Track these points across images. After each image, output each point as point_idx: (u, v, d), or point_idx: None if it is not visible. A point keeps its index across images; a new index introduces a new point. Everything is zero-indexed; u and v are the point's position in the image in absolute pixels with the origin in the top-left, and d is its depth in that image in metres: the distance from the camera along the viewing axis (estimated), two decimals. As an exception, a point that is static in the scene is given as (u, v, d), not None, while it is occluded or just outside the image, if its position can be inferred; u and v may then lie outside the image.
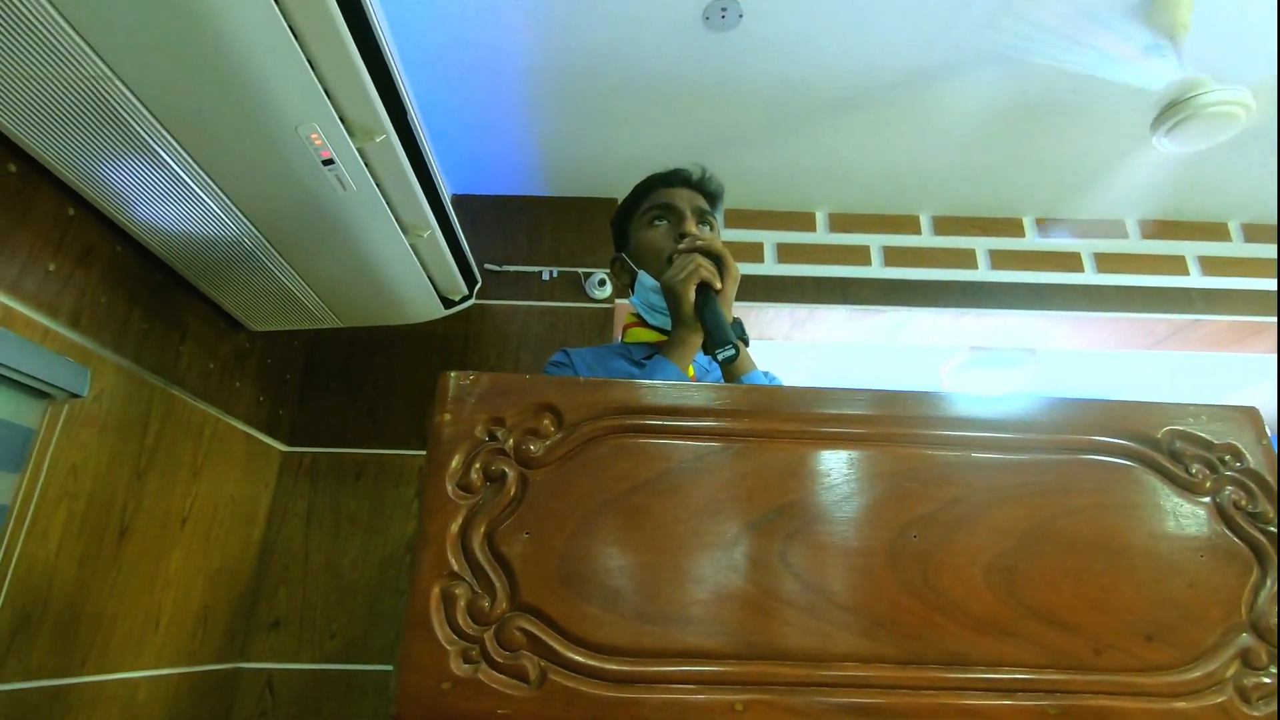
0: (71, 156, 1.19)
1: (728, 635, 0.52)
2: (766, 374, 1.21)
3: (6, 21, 0.93)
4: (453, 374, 0.58)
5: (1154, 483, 0.59)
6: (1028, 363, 3.39)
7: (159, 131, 1.15)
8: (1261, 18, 1.77)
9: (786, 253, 2.61)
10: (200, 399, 1.69)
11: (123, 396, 1.42)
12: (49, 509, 1.25)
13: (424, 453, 0.57)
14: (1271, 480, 0.59)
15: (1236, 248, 2.63)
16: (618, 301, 2.41)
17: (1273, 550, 0.56)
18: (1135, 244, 2.64)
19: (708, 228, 1.24)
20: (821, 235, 2.65)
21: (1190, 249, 2.63)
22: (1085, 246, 2.64)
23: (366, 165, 1.34)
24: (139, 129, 1.14)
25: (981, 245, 2.64)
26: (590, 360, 1.23)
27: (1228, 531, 0.57)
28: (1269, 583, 0.56)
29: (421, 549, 0.52)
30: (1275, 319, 2.51)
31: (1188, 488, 0.59)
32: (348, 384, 2.28)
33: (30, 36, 0.96)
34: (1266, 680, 0.53)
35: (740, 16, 1.81)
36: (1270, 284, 2.56)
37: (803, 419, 0.59)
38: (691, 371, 1.13)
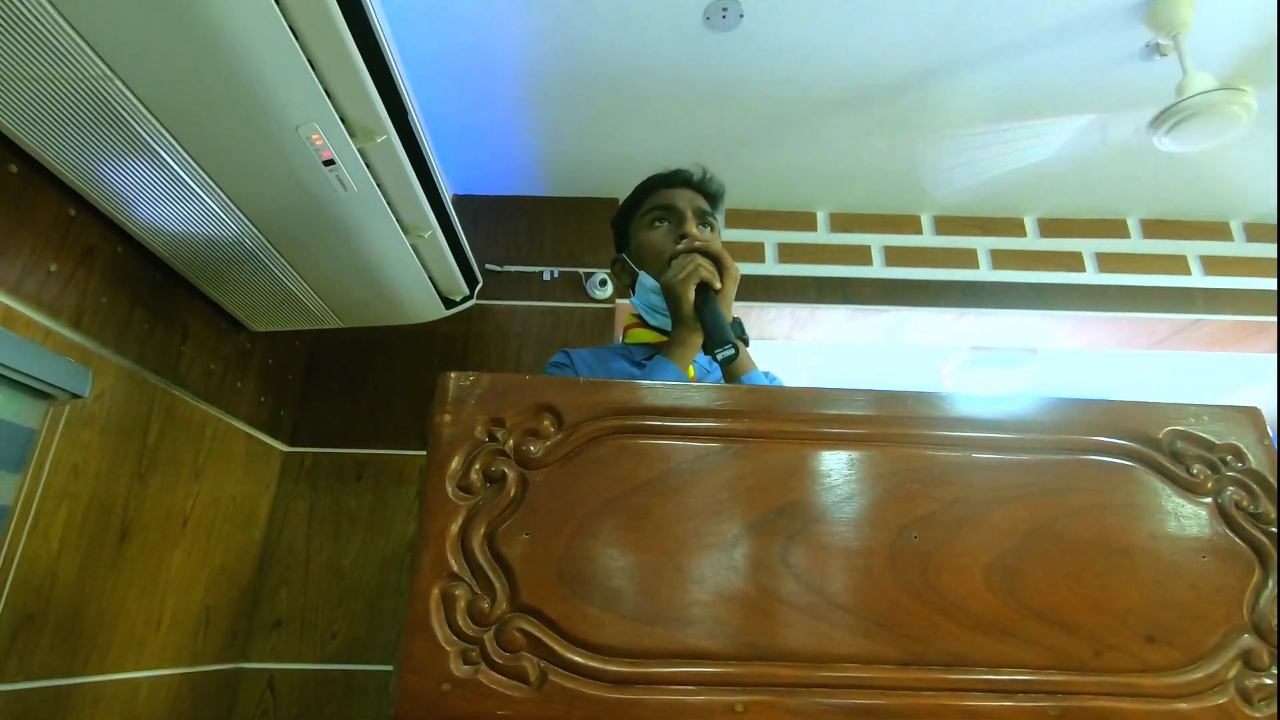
0: (72, 157, 1.19)
1: (728, 636, 0.52)
2: (767, 374, 1.21)
3: (7, 21, 0.93)
4: (452, 375, 0.58)
5: (1155, 483, 0.59)
6: (1029, 363, 3.39)
7: (160, 132, 1.15)
8: (1262, 17, 1.77)
9: (787, 252, 2.61)
10: (201, 399, 1.69)
11: (124, 397, 1.42)
12: (50, 509, 1.25)
13: (425, 453, 0.57)
14: (1273, 480, 0.58)
15: (1238, 247, 2.63)
16: (619, 302, 2.41)
17: (1274, 551, 0.56)
18: (1137, 243, 2.64)
19: (708, 228, 1.24)
20: (822, 235, 2.65)
21: (1192, 248, 2.63)
22: (1086, 246, 2.63)
23: (367, 166, 1.34)
24: (140, 129, 1.14)
25: (983, 245, 2.64)
26: (591, 361, 1.23)
27: (1229, 532, 0.57)
28: (1270, 584, 0.55)
29: (421, 550, 0.52)
30: (1276, 318, 2.51)
31: (1189, 488, 0.59)
32: (349, 384, 2.28)
33: (31, 37, 0.96)
34: (1268, 681, 0.53)
35: (741, 16, 1.81)
36: (1272, 283, 2.56)
37: (803, 419, 0.59)
38: (692, 372, 1.13)
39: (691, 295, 1.07)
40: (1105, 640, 0.53)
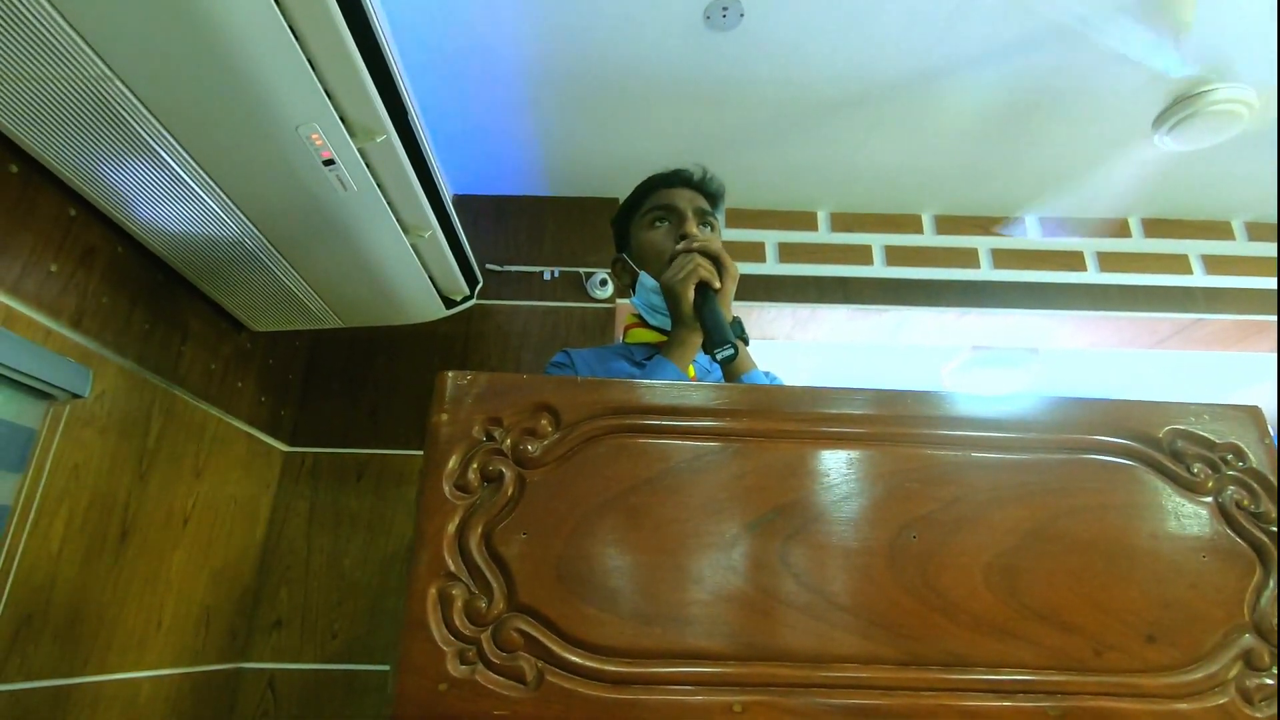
0: (72, 157, 1.19)
1: (726, 636, 0.52)
2: (767, 374, 1.21)
3: (6, 21, 0.93)
4: (450, 374, 0.57)
5: (1155, 483, 0.59)
6: (1030, 362, 3.38)
7: (160, 132, 1.15)
8: (1263, 16, 1.76)
9: (788, 252, 2.61)
10: (202, 399, 1.69)
11: (124, 397, 1.42)
12: (51, 509, 1.25)
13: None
14: (1274, 479, 0.58)
15: (1239, 246, 2.62)
16: (619, 301, 2.41)
17: (1275, 550, 0.56)
18: (1138, 243, 2.64)
19: (709, 228, 1.24)
20: (823, 235, 2.65)
21: (1193, 248, 2.62)
22: (1088, 245, 2.63)
23: (367, 165, 1.34)
24: (140, 129, 1.14)
25: (983, 244, 2.63)
26: (591, 361, 1.23)
27: (1230, 532, 0.57)
28: (1271, 583, 0.55)
29: (418, 550, 0.52)
30: (1277, 318, 2.50)
31: (1189, 487, 0.58)
32: (349, 384, 2.28)
33: (30, 37, 0.96)
34: (1269, 681, 0.53)
35: (741, 16, 1.81)
36: (1273, 282, 2.55)
37: (801, 419, 0.59)
38: (692, 371, 1.13)
39: (691, 295, 1.06)
40: (1105, 640, 0.53)
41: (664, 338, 1.21)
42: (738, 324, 1.12)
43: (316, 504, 2.12)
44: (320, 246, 1.51)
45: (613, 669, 0.50)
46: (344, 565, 2.07)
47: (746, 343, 1.14)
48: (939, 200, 2.61)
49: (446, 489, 0.54)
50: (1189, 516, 0.57)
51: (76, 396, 1.26)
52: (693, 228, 1.20)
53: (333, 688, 1.96)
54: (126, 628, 1.45)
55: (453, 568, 0.52)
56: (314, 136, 1.21)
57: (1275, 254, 2.59)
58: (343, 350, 2.32)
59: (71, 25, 0.96)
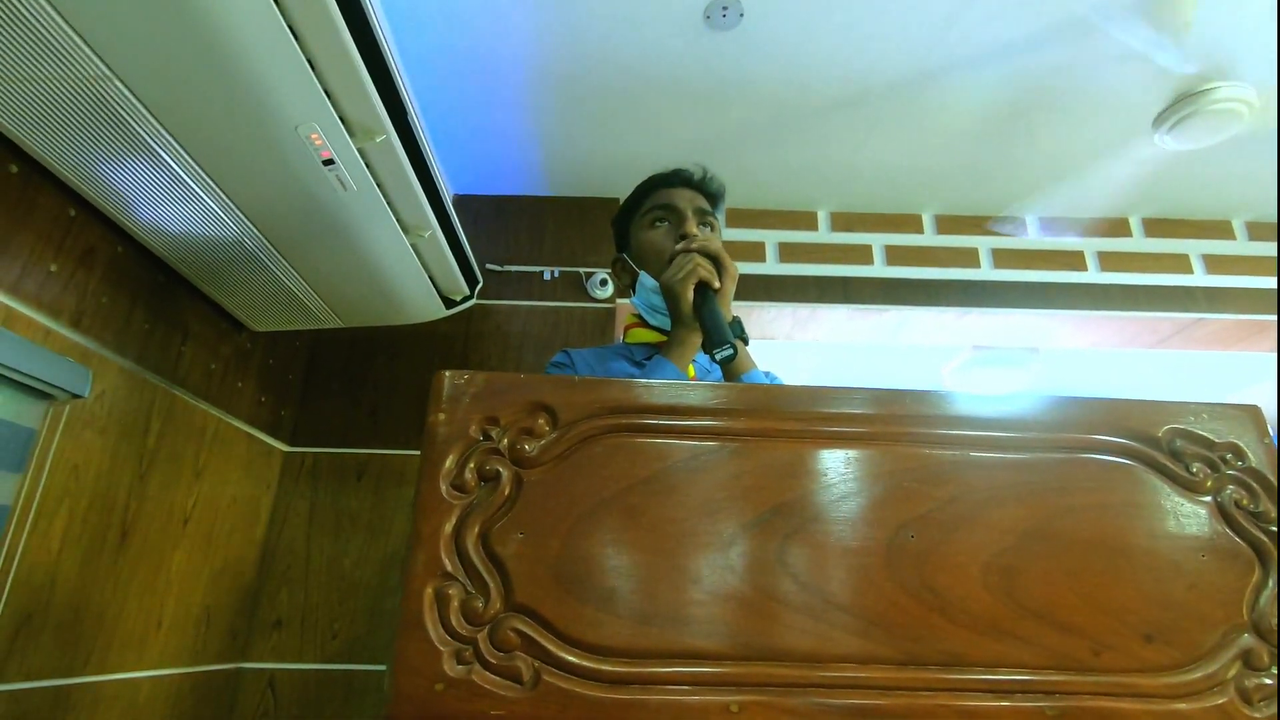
0: (72, 157, 1.19)
1: (724, 636, 0.52)
2: (767, 374, 1.21)
3: (5, 21, 0.93)
4: (447, 373, 0.57)
5: (1154, 482, 0.58)
6: (1031, 362, 3.38)
7: (159, 132, 1.15)
8: (1263, 15, 1.76)
9: (788, 252, 2.60)
10: (202, 399, 1.69)
11: (124, 397, 1.43)
12: (51, 509, 1.25)
13: (422, 453, 0.56)
14: (1273, 479, 0.58)
15: (1240, 246, 2.62)
16: (619, 301, 2.41)
17: (1274, 550, 0.56)
18: (1138, 242, 2.64)
19: (708, 228, 1.24)
20: (823, 234, 2.64)
21: (1193, 247, 2.62)
22: (1088, 245, 2.63)
23: (367, 165, 1.34)
24: (139, 129, 1.14)
25: (984, 244, 2.63)
26: (591, 361, 1.23)
27: (1229, 531, 0.57)
28: (1270, 583, 0.55)
29: (415, 549, 0.52)
30: (1277, 317, 2.50)
31: (1188, 487, 0.58)
32: (349, 384, 2.28)
33: (29, 36, 0.96)
34: (1268, 681, 0.52)
35: (741, 16, 1.81)
36: (1274, 282, 2.55)
37: (799, 418, 0.59)
38: (692, 371, 1.13)
39: (690, 295, 1.06)
40: (1104, 640, 0.53)
41: (664, 338, 1.21)
42: (737, 324, 1.12)
43: (316, 504, 2.12)
44: (320, 246, 1.51)
45: (610, 669, 0.50)
46: (344, 565, 2.07)
47: (746, 343, 1.14)
48: (939, 200, 2.61)
49: (443, 488, 0.54)
50: (1188, 516, 0.57)
51: (76, 396, 1.26)
52: (692, 228, 1.20)
53: (333, 688, 1.96)
54: (126, 627, 1.45)
55: (449, 567, 0.52)
56: (313, 136, 1.21)
57: (1275, 254, 2.58)
58: (343, 350, 2.32)
59: (70, 25, 0.96)
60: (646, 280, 1.22)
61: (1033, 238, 2.65)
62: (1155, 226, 2.65)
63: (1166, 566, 0.55)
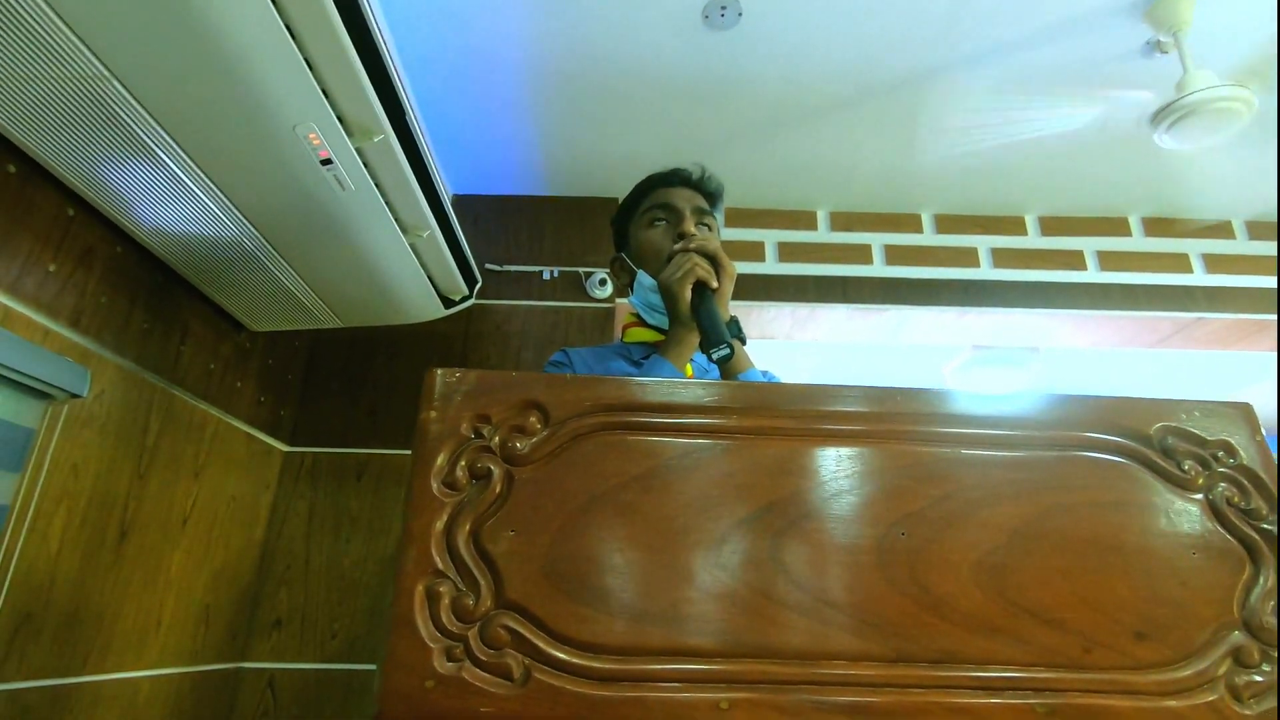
0: (70, 157, 1.19)
1: (714, 633, 0.52)
2: (765, 373, 1.21)
3: (3, 21, 0.93)
4: (439, 371, 0.58)
5: (1146, 479, 0.59)
6: (1031, 361, 3.38)
7: (157, 132, 1.15)
8: (1263, 14, 1.76)
9: (788, 251, 2.60)
10: (201, 399, 1.69)
11: (123, 397, 1.43)
12: (49, 509, 1.26)
13: (417, 451, 0.56)
14: (1265, 476, 0.58)
15: (1240, 245, 2.62)
16: (618, 301, 2.41)
17: (1266, 547, 0.56)
18: (1138, 241, 2.63)
19: (706, 227, 1.24)
20: (823, 234, 2.64)
21: (1193, 246, 2.62)
22: (1088, 244, 2.63)
23: (365, 165, 1.34)
24: (137, 129, 1.14)
25: (983, 243, 2.63)
26: (590, 360, 1.23)
27: (1220, 528, 0.57)
28: (1261, 580, 0.55)
29: (406, 547, 0.52)
30: (1277, 316, 2.50)
31: (1180, 484, 0.58)
32: (349, 384, 2.28)
33: (26, 36, 0.96)
34: (1258, 679, 0.52)
35: (740, 15, 1.81)
36: (1274, 282, 2.55)
37: (791, 415, 0.59)
38: (690, 370, 1.13)
39: (688, 294, 1.07)
40: (1095, 637, 0.53)
41: (662, 337, 1.21)
42: (735, 323, 1.12)
43: (316, 504, 2.12)
44: (318, 246, 1.52)
45: (600, 666, 0.50)
46: (344, 565, 2.07)
47: (744, 342, 1.14)
48: (938, 199, 2.60)
49: (434, 486, 0.54)
50: (1179, 513, 0.57)
51: (75, 396, 1.26)
52: (690, 227, 1.20)
53: (332, 687, 1.96)
54: (126, 627, 1.45)
55: (440, 565, 0.52)
56: (311, 136, 1.21)
57: (1275, 253, 2.58)
58: (342, 350, 2.32)
59: (68, 24, 0.96)
60: (645, 279, 1.22)
61: (1032, 238, 2.65)
62: (1155, 226, 2.65)
63: (1158, 564, 0.55)
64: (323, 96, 1.16)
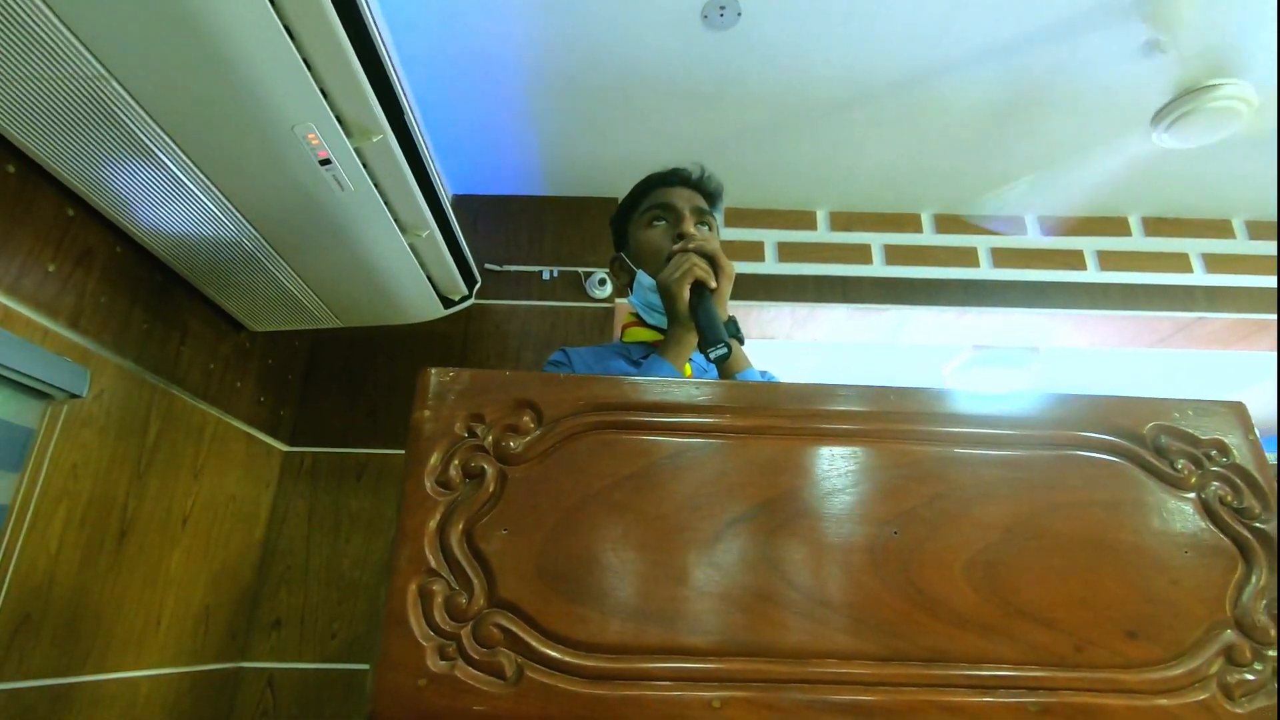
0: (69, 157, 1.19)
1: (707, 632, 0.52)
2: (763, 373, 1.21)
3: (2, 21, 0.94)
4: (433, 370, 0.58)
5: (1139, 478, 0.59)
6: (1031, 361, 3.38)
7: (156, 132, 1.16)
8: (1262, 13, 1.76)
9: (787, 251, 2.60)
10: (201, 399, 1.69)
11: (123, 396, 1.43)
12: (49, 509, 1.26)
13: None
14: (1258, 475, 0.58)
15: (1240, 245, 2.62)
16: (618, 301, 2.41)
17: (1258, 546, 0.56)
18: (1138, 241, 2.63)
19: (706, 227, 1.24)
20: (822, 234, 2.64)
21: (1193, 246, 2.62)
22: (1088, 244, 2.62)
23: (364, 165, 1.34)
24: (136, 129, 1.14)
25: (983, 243, 2.63)
26: (589, 359, 1.23)
27: (1213, 527, 0.57)
28: (1254, 579, 0.55)
29: (399, 546, 0.52)
30: (1277, 316, 2.49)
31: (1173, 483, 0.58)
32: (349, 384, 2.29)
33: (25, 36, 0.96)
34: (1250, 677, 0.52)
35: (739, 15, 1.81)
36: (1274, 281, 2.55)
37: (784, 414, 0.59)
38: (689, 370, 1.13)
39: (686, 294, 1.07)
40: (1086, 636, 0.53)
41: (662, 337, 1.21)
42: (733, 323, 1.12)
43: (316, 504, 2.13)
44: (318, 246, 1.52)
45: (592, 664, 0.50)
46: (343, 565, 2.07)
47: (742, 342, 1.14)
48: (938, 199, 2.60)
49: (428, 485, 0.54)
50: (1172, 512, 0.57)
51: (74, 396, 1.26)
52: (690, 227, 1.20)
53: (332, 687, 1.96)
54: (125, 627, 1.45)
55: (433, 564, 0.52)
56: (310, 136, 1.21)
57: (1275, 253, 2.58)
58: (342, 350, 2.32)
59: (66, 25, 0.96)
60: (644, 279, 1.22)
61: (1032, 237, 2.65)
62: (1155, 225, 2.65)
63: (1150, 562, 0.55)
64: (321, 97, 1.16)
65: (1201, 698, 0.52)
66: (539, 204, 2.60)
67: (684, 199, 1.24)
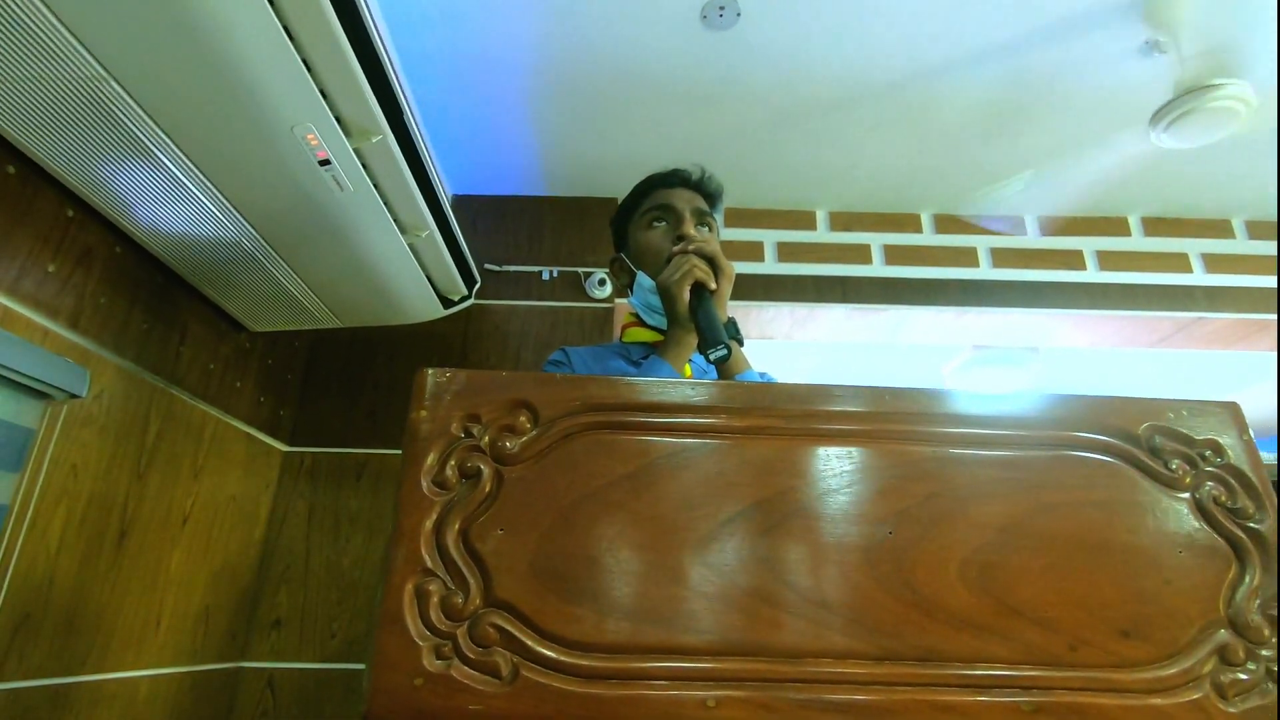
0: (69, 158, 1.20)
1: (701, 631, 0.52)
2: (763, 374, 1.21)
3: (2, 22, 0.94)
4: (430, 371, 0.58)
5: (1134, 478, 0.59)
6: (1031, 361, 3.38)
7: (156, 133, 1.16)
8: (1262, 13, 1.76)
9: (787, 251, 2.61)
10: (201, 399, 1.70)
11: (123, 397, 1.43)
12: (49, 509, 1.26)
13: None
14: (1252, 475, 0.58)
15: (1240, 245, 2.62)
16: (617, 301, 2.42)
17: (1252, 546, 0.56)
18: (1138, 241, 2.63)
19: (706, 228, 1.24)
20: (822, 234, 2.65)
21: (1193, 246, 2.62)
22: (1088, 244, 2.63)
23: (363, 165, 1.34)
24: (136, 130, 1.14)
25: (983, 243, 2.63)
26: (588, 359, 1.23)
27: (1207, 527, 0.57)
28: (1248, 579, 0.55)
29: (395, 545, 0.52)
30: (1277, 316, 2.49)
31: (1167, 483, 0.58)
32: (348, 384, 2.29)
33: (24, 37, 0.96)
34: (1243, 677, 0.53)
35: (738, 15, 1.81)
36: (1274, 281, 2.55)
37: (779, 415, 0.59)
38: (688, 371, 1.13)
39: (686, 295, 1.07)
40: (1080, 635, 0.53)
41: (661, 337, 1.21)
42: (732, 324, 1.12)
43: (316, 504, 2.13)
44: (317, 247, 1.52)
45: (588, 664, 0.50)
46: (343, 565, 2.08)
47: (741, 343, 1.14)
48: (937, 199, 2.61)
49: (424, 485, 0.54)
50: (1166, 512, 0.57)
51: (74, 396, 1.26)
52: (690, 228, 1.20)
53: (332, 687, 1.97)
54: (125, 627, 1.46)
55: (429, 563, 0.52)
56: (309, 137, 1.21)
57: (1275, 253, 2.58)
58: (342, 350, 2.33)
59: (65, 25, 0.97)
60: (644, 280, 1.22)
61: (1032, 237, 2.65)
62: (1155, 225, 2.65)
63: (1144, 562, 0.55)
64: (321, 97, 1.17)
65: (1195, 697, 0.52)
66: (539, 204, 2.60)
67: (684, 200, 1.24)
